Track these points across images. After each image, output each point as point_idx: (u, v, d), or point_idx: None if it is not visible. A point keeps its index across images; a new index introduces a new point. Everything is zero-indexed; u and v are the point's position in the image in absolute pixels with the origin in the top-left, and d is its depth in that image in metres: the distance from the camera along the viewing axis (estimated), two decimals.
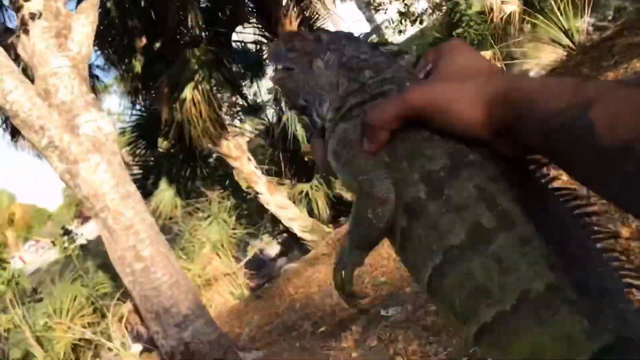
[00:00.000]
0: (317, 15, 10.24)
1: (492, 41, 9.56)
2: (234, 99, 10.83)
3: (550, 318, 0.54)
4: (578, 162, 0.50)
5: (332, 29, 9.89)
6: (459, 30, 10.15)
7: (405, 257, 0.64)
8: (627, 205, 0.47)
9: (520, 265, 0.56)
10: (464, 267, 0.58)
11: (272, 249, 11.54)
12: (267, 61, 10.24)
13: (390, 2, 16.68)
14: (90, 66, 7.26)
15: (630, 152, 0.44)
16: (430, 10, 15.79)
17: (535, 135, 0.53)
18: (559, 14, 8.15)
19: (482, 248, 0.57)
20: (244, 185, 9.82)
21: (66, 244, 12.51)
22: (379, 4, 17.14)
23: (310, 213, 9.90)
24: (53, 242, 17.25)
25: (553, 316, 0.54)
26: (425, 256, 0.61)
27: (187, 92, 8.53)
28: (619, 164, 0.45)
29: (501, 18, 9.40)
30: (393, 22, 17.59)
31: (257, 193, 9.41)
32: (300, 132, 9.85)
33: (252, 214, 10.40)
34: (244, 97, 10.83)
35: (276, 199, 9.41)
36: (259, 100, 11.24)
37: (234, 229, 9.91)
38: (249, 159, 9.36)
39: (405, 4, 16.06)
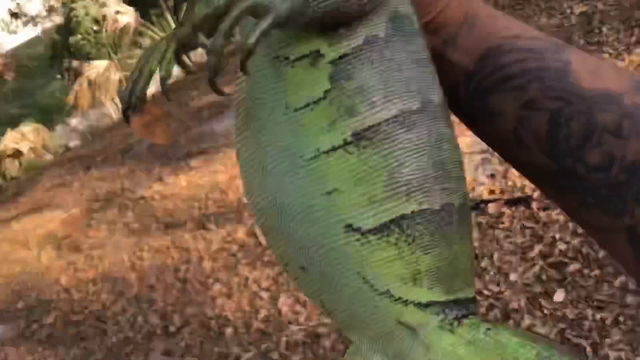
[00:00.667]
0: None
1: (110, 50, 9.63)
2: None
3: None
4: (541, 97, 0.44)
5: None
6: (77, 37, 10.14)
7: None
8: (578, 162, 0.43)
9: None
10: None
11: None
12: None
13: None
14: None
15: (612, 101, 0.41)
16: (45, 13, 15.00)
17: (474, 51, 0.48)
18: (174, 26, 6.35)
19: None
20: None
21: None
22: None
23: None
24: None
25: None
26: None
27: None
28: (599, 112, 0.42)
29: (115, 29, 9.25)
30: (4, 22, 16.15)
31: None
32: None
33: None
34: None
35: None
36: None
37: None
38: None
39: (18, 3, 15.43)
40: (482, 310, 3.04)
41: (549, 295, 2.97)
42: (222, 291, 3.82)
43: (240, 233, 4.60)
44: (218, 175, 5.91)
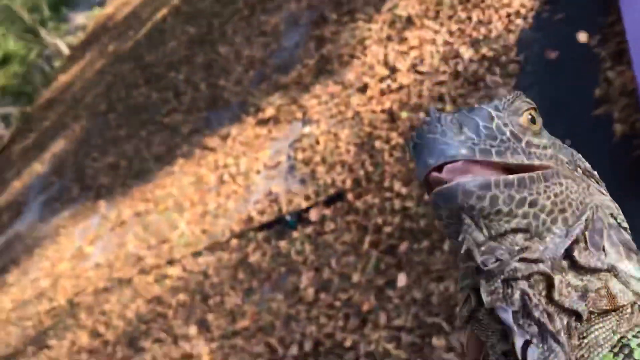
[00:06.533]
0: None
1: None
2: None
3: None
4: None
5: None
6: None
7: None
8: None
9: None
10: None
11: None
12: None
13: None
14: None
15: None
16: None
17: None
18: None
19: None
20: None
21: None
22: None
23: None
24: None
25: None
26: None
27: None
28: None
29: None
30: None
31: None
32: None
33: None
34: None
35: None
36: None
37: None
38: None
39: None
40: (339, 323, 2.93)
41: (393, 283, 2.91)
42: None
43: (84, 338, 4.46)
44: (40, 282, 5.48)
